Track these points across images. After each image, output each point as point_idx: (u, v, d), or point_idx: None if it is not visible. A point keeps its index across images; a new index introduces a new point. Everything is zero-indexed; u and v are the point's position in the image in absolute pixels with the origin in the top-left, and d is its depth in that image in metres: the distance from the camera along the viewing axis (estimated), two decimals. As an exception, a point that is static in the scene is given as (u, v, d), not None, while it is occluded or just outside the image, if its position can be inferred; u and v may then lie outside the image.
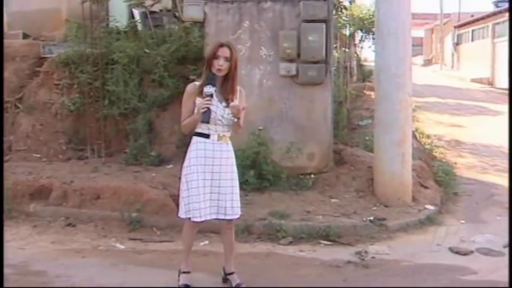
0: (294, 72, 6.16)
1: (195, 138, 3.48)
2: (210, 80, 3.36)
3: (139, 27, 8.20)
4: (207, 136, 3.45)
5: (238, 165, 5.62)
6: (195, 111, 3.39)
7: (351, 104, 10.59)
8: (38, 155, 6.94)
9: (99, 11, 7.67)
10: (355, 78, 15.49)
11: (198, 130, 3.46)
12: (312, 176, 6.13)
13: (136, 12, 8.57)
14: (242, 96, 3.53)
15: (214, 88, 3.33)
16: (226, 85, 3.42)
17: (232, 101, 3.42)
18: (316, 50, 6.05)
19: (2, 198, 4.96)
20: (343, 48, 8.21)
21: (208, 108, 3.32)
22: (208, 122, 3.35)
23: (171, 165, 6.44)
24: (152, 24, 8.23)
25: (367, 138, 7.45)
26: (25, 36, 8.48)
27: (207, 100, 3.31)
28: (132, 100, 6.92)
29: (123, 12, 8.68)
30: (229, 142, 3.55)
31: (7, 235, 4.59)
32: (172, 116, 6.65)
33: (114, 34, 7.59)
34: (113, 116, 7.00)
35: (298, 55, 6.11)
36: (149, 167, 6.45)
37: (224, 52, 3.37)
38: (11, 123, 7.21)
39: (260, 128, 6.09)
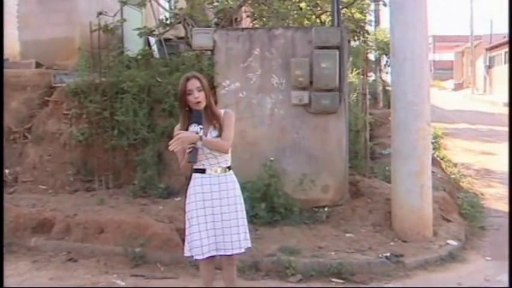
0: (306, 101, 6.18)
1: (193, 175, 3.51)
2: (195, 118, 3.37)
3: (156, 55, 8.38)
4: (203, 171, 3.47)
5: (248, 198, 5.70)
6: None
7: (374, 131, 10.53)
8: (44, 187, 7.04)
9: (111, 40, 7.85)
10: (380, 104, 15.45)
11: (195, 166, 3.48)
12: (326, 209, 6.08)
13: (153, 40, 8.78)
14: (227, 116, 3.51)
15: (199, 126, 3.34)
16: (207, 116, 3.44)
17: (220, 125, 3.42)
18: (329, 77, 6.06)
19: (2, 221, 5.04)
20: (361, 75, 8.16)
21: (194, 148, 3.32)
22: (195, 162, 3.36)
23: (179, 198, 6.44)
24: (168, 52, 8.41)
25: (386, 168, 7.35)
26: (38, 65, 8.67)
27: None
28: (141, 130, 7.00)
29: (139, 41, 8.90)
30: (229, 173, 3.53)
31: (5, 271, 4.63)
32: (182, 148, 6.72)
33: (126, 62, 7.73)
34: (121, 146, 7.08)
35: (311, 83, 6.13)
36: (157, 199, 6.49)
37: (194, 84, 3.38)
38: (19, 154, 7.36)
39: (271, 158, 6.10)
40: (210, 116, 3.44)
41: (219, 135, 3.43)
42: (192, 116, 3.39)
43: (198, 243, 3.41)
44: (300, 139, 6.26)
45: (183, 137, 3.28)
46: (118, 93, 7.21)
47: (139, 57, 7.85)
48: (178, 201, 6.29)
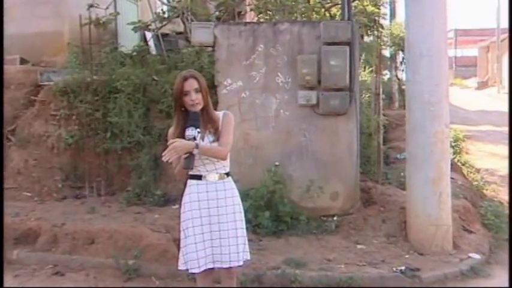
0: (314, 101, 6.24)
1: (188, 181, 3.53)
2: (192, 121, 3.34)
3: (153, 51, 8.44)
4: (199, 177, 3.49)
5: (251, 206, 5.77)
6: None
7: (388, 134, 10.55)
8: (29, 194, 7.10)
9: (103, 35, 7.93)
10: (396, 104, 15.46)
11: (191, 172, 3.49)
12: (336, 218, 6.14)
13: (149, 36, 8.84)
14: (226, 120, 3.52)
15: (197, 129, 3.32)
16: (204, 118, 3.43)
17: (216, 129, 3.45)
18: (339, 75, 6.12)
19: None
20: (374, 73, 8.18)
21: (190, 154, 3.31)
22: (191, 168, 3.36)
23: (176, 206, 6.43)
24: (166, 48, 8.47)
25: (401, 174, 7.38)
26: (23, 61, 8.67)
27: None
28: (136, 133, 7.09)
29: (134, 36, 8.96)
30: (228, 180, 3.56)
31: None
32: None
33: (119, 59, 7.82)
34: (115, 150, 7.17)
35: (319, 82, 6.19)
36: (153, 207, 6.56)
37: (191, 84, 3.37)
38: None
39: (276, 163, 6.16)
40: (206, 119, 3.44)
41: (216, 140, 3.44)
42: (188, 118, 3.35)
43: (194, 256, 3.43)
44: (307, 142, 6.32)
45: (177, 146, 3.23)
46: (111, 93, 7.29)
47: (134, 53, 7.93)
48: (175, 209, 6.31)
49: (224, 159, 3.49)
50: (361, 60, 9.45)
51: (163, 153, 3.25)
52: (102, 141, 7.18)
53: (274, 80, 6.37)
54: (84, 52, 7.41)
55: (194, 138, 3.29)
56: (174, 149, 3.24)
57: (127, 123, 7.09)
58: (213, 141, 3.44)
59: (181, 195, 3.60)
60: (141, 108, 7.19)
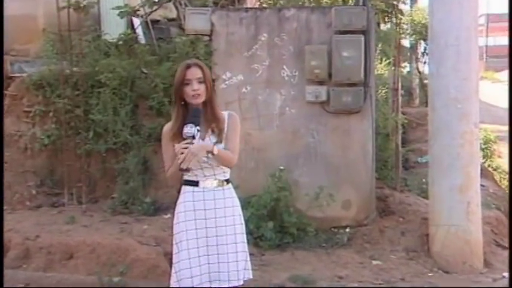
0: (324, 98, 6.28)
1: (183, 188, 3.49)
2: (192, 117, 3.31)
3: (141, 40, 8.47)
4: (195, 184, 3.45)
5: (252, 216, 5.81)
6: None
7: (408, 135, 10.58)
8: (-3, 202, 7.14)
9: (84, 20, 7.89)
10: (416, 101, 15.47)
11: (186, 177, 3.45)
12: (348, 229, 6.18)
13: (137, 22, 8.86)
14: (233, 121, 3.49)
15: (197, 127, 3.28)
16: (206, 115, 3.40)
17: (220, 130, 3.41)
18: (352, 69, 6.16)
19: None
20: (392, 66, 8.22)
21: None
22: (188, 171, 3.31)
23: (168, 215, 6.51)
24: (156, 37, 8.50)
25: (423, 180, 7.42)
26: (-10, 49, 8.62)
27: (187, 143, 3.25)
28: (122, 132, 7.12)
29: (120, 23, 8.95)
30: (227, 187, 3.51)
31: None
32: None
33: (103, 49, 7.85)
34: (98, 152, 7.20)
35: (330, 76, 6.23)
36: (141, 216, 6.59)
37: (194, 73, 3.36)
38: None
39: (281, 167, 6.19)
40: (209, 116, 3.41)
41: (219, 142, 3.40)
42: (188, 113, 3.32)
43: (188, 273, 3.36)
44: (315, 144, 6.37)
45: (194, 150, 3.22)
46: (94, 87, 7.33)
47: (120, 42, 7.95)
48: (167, 219, 6.36)
49: (231, 168, 3.49)
50: (378, 51, 9.44)
51: (179, 161, 3.22)
52: (84, 141, 7.21)
53: (279, 73, 6.40)
54: (62, 40, 7.41)
55: (193, 137, 3.25)
56: (191, 152, 3.22)
57: (112, 121, 7.12)
58: (216, 143, 3.39)
59: (175, 204, 3.56)
60: (128, 105, 7.22)
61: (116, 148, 7.18)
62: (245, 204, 3.60)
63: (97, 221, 6.44)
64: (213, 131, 3.41)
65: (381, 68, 10.14)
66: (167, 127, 3.47)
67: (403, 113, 9.18)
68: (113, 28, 8.68)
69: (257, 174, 6.28)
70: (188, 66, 3.37)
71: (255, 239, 5.81)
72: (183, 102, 3.38)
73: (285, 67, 6.40)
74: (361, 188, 6.35)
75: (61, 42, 7.43)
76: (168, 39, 8.22)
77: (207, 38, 6.76)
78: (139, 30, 8.73)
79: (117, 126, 7.12)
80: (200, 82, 3.36)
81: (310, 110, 6.37)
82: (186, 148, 3.22)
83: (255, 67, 6.43)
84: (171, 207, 6.68)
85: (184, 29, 7.07)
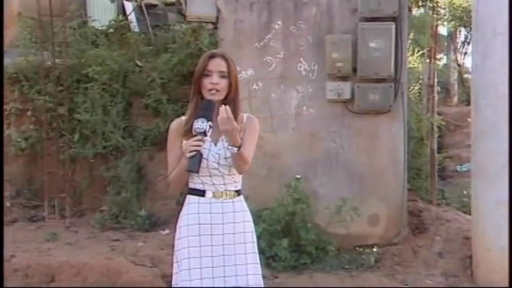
0: (347, 96, 6.31)
1: (187, 198, 3.51)
2: (204, 111, 3.31)
3: (135, 28, 8.53)
4: (201, 193, 3.46)
5: (264, 232, 5.86)
6: (183, 154, 3.36)
7: (445, 139, 10.60)
8: (-36, 216, 7.17)
9: (68, 4, 7.97)
10: (455, 99, 15.47)
11: (191, 185, 3.48)
12: (375, 249, 6.23)
13: (129, 7, 8.93)
14: (250, 125, 3.53)
15: (209, 123, 3.28)
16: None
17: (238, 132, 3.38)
18: (381, 62, 6.19)
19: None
20: (427, 58, 8.24)
21: (198, 153, 3.26)
22: (197, 172, 3.32)
23: (167, 231, 6.61)
24: (152, 24, 8.56)
25: (464, 192, 7.46)
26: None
27: (197, 140, 3.26)
28: (113, 135, 7.21)
29: (109, 7, 9.03)
30: (238, 199, 3.53)
31: None
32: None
33: (91, 38, 7.95)
34: (85, 157, 7.29)
35: (354, 70, 6.27)
36: (135, 232, 6.67)
37: (218, 65, 3.37)
38: None
39: (298, 176, 6.24)
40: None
41: (227, 148, 3.39)
42: (204, 106, 3.34)
43: None
44: (337, 149, 6.42)
45: (223, 120, 3.20)
46: (80, 82, 7.42)
47: (110, 30, 8.04)
48: (165, 236, 6.47)
49: (242, 173, 3.50)
50: (409, 41, 9.47)
51: (186, 159, 3.26)
52: (68, 145, 7.29)
53: (296, 67, 6.46)
54: (42, 26, 7.47)
55: (204, 134, 3.26)
56: (223, 124, 3.21)
57: (101, 122, 7.21)
58: (231, 146, 3.36)
59: (177, 217, 3.56)
60: (120, 103, 7.31)
61: (106, 153, 7.27)
62: (256, 218, 3.55)
63: (83, 238, 6.50)
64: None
65: (413, 60, 10.15)
66: (178, 122, 3.51)
67: (440, 113, 9.09)
68: (102, 13, 8.77)
69: (270, 184, 6.35)
70: (212, 56, 3.40)
71: (267, 259, 5.82)
72: (201, 96, 3.41)
73: (302, 60, 6.44)
74: (391, 201, 6.39)
75: (40, 29, 7.49)
76: (166, 27, 8.27)
77: (211, 26, 6.84)
78: (132, 17, 8.79)
79: (107, 128, 7.21)
80: (222, 76, 3.37)
81: (332, 110, 6.41)
82: (196, 146, 3.25)
83: (268, 60, 6.49)
84: (169, 221, 6.77)
85: (185, 15, 7.11)
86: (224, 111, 3.22)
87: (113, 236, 6.56)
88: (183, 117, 3.51)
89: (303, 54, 6.45)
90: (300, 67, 6.46)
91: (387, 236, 6.37)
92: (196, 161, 3.27)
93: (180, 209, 3.56)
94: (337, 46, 6.25)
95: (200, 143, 3.27)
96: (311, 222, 6.17)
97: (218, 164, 3.41)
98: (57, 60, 7.42)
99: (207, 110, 3.31)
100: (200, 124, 3.25)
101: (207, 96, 3.37)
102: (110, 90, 7.32)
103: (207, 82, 3.36)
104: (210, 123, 3.28)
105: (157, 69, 7.26)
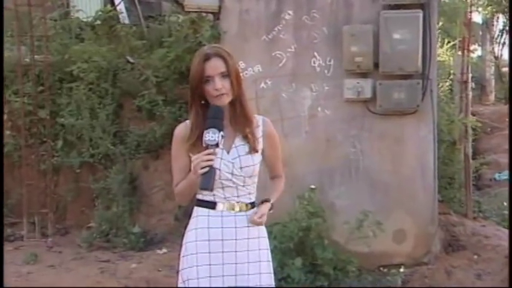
0: (368, 95, 6.36)
1: (195, 210, 3.53)
2: (213, 120, 3.29)
3: (125, 19, 8.57)
4: (212, 206, 3.49)
5: (275, 250, 5.87)
6: (192, 170, 3.37)
7: (480, 143, 10.59)
8: None
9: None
10: (491, 97, 15.41)
11: (200, 196, 3.51)
12: (402, 269, 6.25)
13: (118, -4, 8.99)
14: (270, 133, 3.58)
15: (221, 133, 3.28)
16: (234, 117, 3.42)
17: (253, 136, 3.45)
18: (406, 55, 6.23)
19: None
20: (459, 50, 8.23)
21: (211, 168, 3.26)
22: (211, 189, 3.34)
23: (164, 250, 6.70)
24: (144, 15, 8.58)
25: (504, 204, 7.46)
26: None
27: (209, 154, 3.24)
28: (102, 141, 7.28)
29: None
30: (253, 212, 3.52)
31: None
32: (170, 168, 6.84)
33: (75, 31, 8.04)
34: (70, 167, 7.38)
35: (376, 65, 6.31)
36: (128, 252, 6.74)
37: (216, 67, 3.34)
38: None
39: (312, 187, 6.27)
40: (239, 118, 3.42)
41: (253, 152, 3.44)
42: (208, 115, 3.31)
43: None
44: (357, 156, 6.47)
45: (257, 220, 3.45)
46: (63, 81, 7.54)
47: (97, 22, 8.12)
48: (162, 255, 6.55)
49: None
50: (439, 31, 9.49)
51: (196, 174, 3.26)
52: (50, 153, 7.38)
53: (309, 63, 6.52)
54: (19, 18, 7.51)
55: (217, 145, 3.26)
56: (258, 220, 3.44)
57: (88, 126, 7.30)
58: (248, 153, 3.43)
59: (183, 233, 3.57)
60: (110, 105, 7.39)
61: (94, 162, 7.35)
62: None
63: (68, 260, 6.57)
64: (246, 138, 3.44)
65: (443, 53, 10.17)
66: (183, 128, 3.47)
67: (474, 114, 9.11)
68: (87, 3, 8.82)
69: (280, 196, 6.27)
70: (207, 58, 3.34)
71: (278, 281, 5.76)
72: (203, 102, 3.39)
73: (316, 54, 6.50)
74: (419, 214, 6.43)
75: (17, 20, 7.53)
76: (161, 19, 8.33)
77: (213, 16, 6.91)
78: (121, 7, 8.84)
79: (95, 133, 7.29)
80: (224, 77, 3.34)
81: (350, 111, 6.47)
82: (209, 160, 3.24)
83: (277, 55, 6.56)
84: (166, 239, 6.85)
85: (182, 4, 7.15)
86: (257, 218, 3.41)
87: (103, 256, 6.63)
88: (188, 122, 3.48)
89: (317, 48, 6.50)
90: (314, 63, 6.51)
91: (416, 255, 6.41)
92: (210, 178, 3.27)
93: (185, 224, 3.57)
94: (357, 38, 6.29)
95: (212, 157, 3.25)
96: (328, 239, 6.22)
97: (232, 174, 3.42)
98: (36, 56, 7.49)
99: (216, 119, 3.30)
100: (211, 136, 3.25)
101: (215, 102, 3.35)
102: (97, 91, 7.40)
103: (210, 89, 3.34)
104: (222, 133, 3.28)
105: (151, 66, 7.32)
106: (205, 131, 3.25)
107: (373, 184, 6.48)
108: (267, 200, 3.50)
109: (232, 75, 3.36)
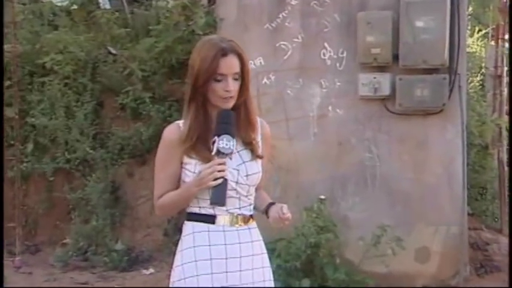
0: (386, 92, 6.40)
1: (189, 226, 3.49)
2: (225, 125, 3.31)
3: (106, 4, 8.59)
4: (211, 220, 3.47)
5: (279, 270, 5.92)
6: (194, 181, 3.36)
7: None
8: None
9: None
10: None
11: (195, 210, 3.48)
12: (426, 292, 6.30)
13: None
14: (266, 135, 3.59)
15: (234, 140, 3.30)
16: (238, 121, 3.40)
17: (257, 143, 3.47)
18: (431, 46, 6.28)
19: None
20: (492, 40, 8.25)
21: (224, 179, 3.27)
22: (224, 204, 3.34)
23: (151, 270, 6.77)
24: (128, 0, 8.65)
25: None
26: None
27: (221, 164, 3.26)
28: (80, 144, 7.34)
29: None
30: (254, 225, 3.55)
31: None
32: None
33: (48, 17, 8.11)
34: (42, 174, 7.45)
35: (396, 58, 6.35)
36: (109, 272, 6.80)
37: (232, 66, 3.31)
38: None
39: (322, 197, 6.31)
40: (243, 123, 3.44)
41: (254, 159, 3.45)
42: (218, 120, 3.33)
43: None
44: (374, 162, 6.52)
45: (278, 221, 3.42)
46: (34, 75, 7.64)
47: (73, 7, 8.19)
48: (149, 276, 6.63)
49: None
50: (468, 17, 9.52)
51: (208, 186, 3.26)
52: (19, 158, 7.43)
53: (318, 55, 6.57)
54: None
55: (230, 154, 3.30)
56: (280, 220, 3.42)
57: (64, 127, 7.37)
58: (251, 160, 3.44)
59: (175, 251, 3.52)
60: (89, 103, 7.46)
61: (70, 168, 7.42)
62: (268, 252, 3.52)
63: (39, 281, 6.64)
64: (250, 144, 3.45)
65: (473, 43, 10.19)
66: (175, 129, 3.44)
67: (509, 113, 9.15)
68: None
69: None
70: (224, 53, 3.29)
71: None
72: (203, 101, 3.38)
73: (326, 45, 6.56)
74: (446, 229, 6.45)
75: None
76: (147, 3, 8.35)
77: (207, 1, 7.04)
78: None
79: (72, 135, 7.35)
80: (236, 79, 3.33)
81: (366, 111, 6.53)
82: (221, 170, 3.25)
83: (282, 46, 6.64)
84: (154, 257, 6.90)
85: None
86: (285, 211, 3.42)
87: (80, 277, 6.70)
88: (181, 123, 3.43)
89: (327, 38, 6.55)
90: (324, 55, 6.57)
91: (442, 276, 6.44)
92: (222, 191, 3.28)
93: (176, 241, 3.55)
94: (373, 27, 6.33)
95: (225, 167, 3.27)
96: (340, 258, 6.27)
97: (236, 183, 3.40)
98: (4, 47, 7.49)
99: (228, 124, 3.31)
100: (226, 143, 3.26)
101: (220, 104, 3.34)
102: (74, 86, 7.48)
103: (219, 89, 3.30)
104: (235, 140, 3.31)
105: (136, 59, 7.38)
106: (216, 138, 3.26)
107: (392, 194, 6.51)
108: (273, 203, 3.50)
109: (245, 77, 3.35)
